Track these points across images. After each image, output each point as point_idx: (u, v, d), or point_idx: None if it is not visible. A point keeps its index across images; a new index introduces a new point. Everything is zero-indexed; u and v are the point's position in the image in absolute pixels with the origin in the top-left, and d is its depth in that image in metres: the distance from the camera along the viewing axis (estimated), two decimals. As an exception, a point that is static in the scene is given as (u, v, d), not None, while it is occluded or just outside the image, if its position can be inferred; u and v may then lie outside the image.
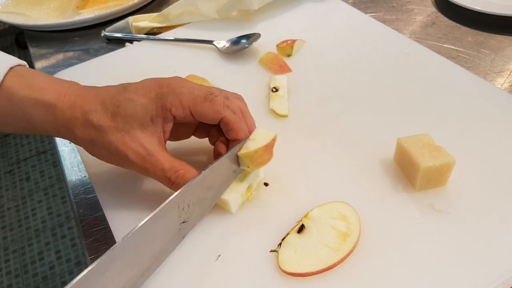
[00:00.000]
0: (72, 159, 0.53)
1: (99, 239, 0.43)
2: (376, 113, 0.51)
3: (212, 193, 0.40)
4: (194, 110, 0.39)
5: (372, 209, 0.41)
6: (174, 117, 0.39)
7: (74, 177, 0.50)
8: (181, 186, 0.37)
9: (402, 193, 0.42)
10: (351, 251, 0.37)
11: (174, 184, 0.39)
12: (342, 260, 0.36)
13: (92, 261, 0.41)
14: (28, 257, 1.55)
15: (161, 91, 0.39)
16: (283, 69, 0.58)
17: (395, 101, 0.52)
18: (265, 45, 0.63)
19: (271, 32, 0.65)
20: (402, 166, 0.43)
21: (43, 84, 0.40)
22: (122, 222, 0.43)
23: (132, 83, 0.41)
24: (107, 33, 0.73)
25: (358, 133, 0.49)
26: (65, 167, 0.52)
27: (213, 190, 0.40)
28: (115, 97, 0.39)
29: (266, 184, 0.44)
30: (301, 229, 0.39)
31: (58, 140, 0.56)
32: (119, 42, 0.73)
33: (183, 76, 0.54)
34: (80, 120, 0.39)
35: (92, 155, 0.41)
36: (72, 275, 1.48)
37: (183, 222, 0.37)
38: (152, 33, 0.73)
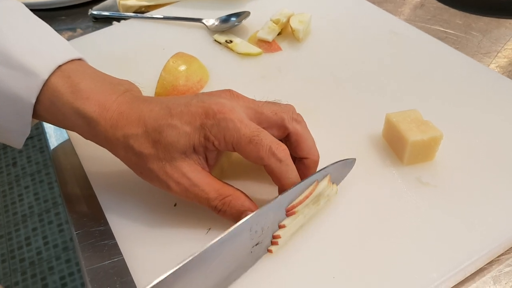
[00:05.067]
0: (58, 136, 0.52)
1: (86, 214, 0.43)
2: (365, 91, 0.51)
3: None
4: (237, 149, 0.36)
5: (360, 183, 0.41)
6: (217, 149, 0.37)
7: (59, 154, 0.50)
8: (229, 213, 0.36)
9: (390, 168, 0.42)
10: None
11: (220, 211, 0.37)
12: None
13: (79, 236, 0.41)
14: (15, 243, 1.54)
15: (206, 121, 0.35)
16: (273, 47, 0.58)
17: (384, 79, 0.52)
18: (255, 23, 0.62)
19: (260, 10, 0.65)
20: (391, 141, 0.43)
21: (88, 93, 0.37)
22: (113, 198, 0.43)
23: (178, 103, 0.37)
24: (94, 12, 0.72)
25: (347, 110, 0.49)
26: (50, 144, 0.52)
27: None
28: (158, 121, 0.36)
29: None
30: None
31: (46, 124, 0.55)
32: (107, 21, 0.71)
33: (172, 54, 0.54)
34: (121, 142, 0.37)
35: (139, 176, 0.39)
36: (59, 260, 1.48)
37: (256, 245, 0.35)
38: (140, 11, 0.72)
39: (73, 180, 0.47)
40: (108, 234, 0.41)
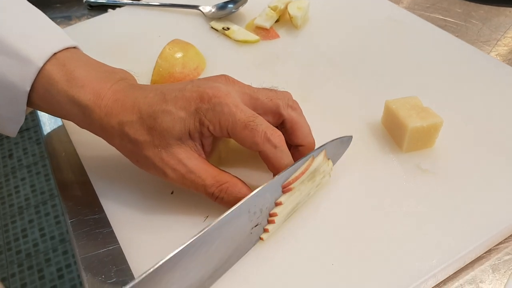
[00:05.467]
0: (52, 124, 0.52)
1: (81, 202, 0.42)
2: (364, 78, 0.50)
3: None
4: (232, 134, 0.35)
5: (359, 171, 0.41)
6: (212, 134, 0.36)
7: (53, 140, 0.49)
8: (227, 200, 0.36)
9: (389, 155, 0.41)
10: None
11: (218, 198, 0.36)
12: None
13: (73, 224, 0.41)
14: (11, 234, 1.53)
15: (201, 105, 0.35)
16: (271, 35, 0.57)
17: (383, 66, 0.52)
18: (252, 10, 0.61)
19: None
20: (390, 128, 0.43)
21: (83, 81, 0.37)
22: (108, 186, 0.42)
23: (173, 88, 0.37)
24: (89, -1, 0.71)
25: (345, 97, 0.48)
26: (44, 131, 0.51)
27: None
28: (153, 107, 0.36)
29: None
30: None
31: (41, 116, 0.54)
32: (102, 9, 0.70)
33: (168, 41, 0.53)
34: (116, 130, 0.37)
35: (135, 165, 0.38)
36: (56, 252, 1.47)
37: (255, 226, 0.35)
38: (136, -1, 0.71)
39: (67, 167, 0.46)
40: (103, 222, 0.40)
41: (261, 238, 0.36)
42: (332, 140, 0.38)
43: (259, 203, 0.34)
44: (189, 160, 0.36)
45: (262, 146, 0.35)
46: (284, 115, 0.37)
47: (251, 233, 0.35)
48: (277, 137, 0.35)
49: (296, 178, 0.35)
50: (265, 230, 0.36)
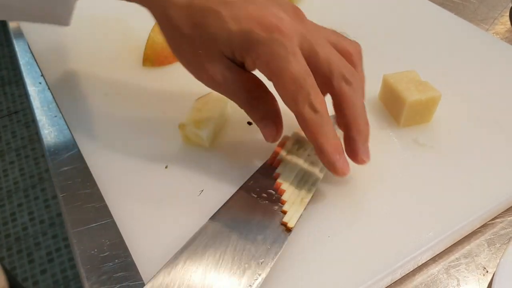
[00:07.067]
0: (42, 99, 0.50)
1: (73, 176, 0.41)
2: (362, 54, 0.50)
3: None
4: (274, 79, 0.31)
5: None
6: (250, 67, 0.33)
7: (44, 117, 0.48)
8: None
9: (386, 130, 0.41)
10: None
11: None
12: None
13: (64, 199, 0.40)
14: (-1, 218, 1.52)
15: (257, 31, 0.30)
16: (266, 10, 0.56)
17: (381, 42, 0.51)
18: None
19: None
20: (387, 103, 0.42)
21: None
22: (102, 160, 0.41)
23: None
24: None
25: (342, 73, 0.48)
26: (35, 107, 0.50)
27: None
28: (208, 3, 0.31)
29: (249, 123, 0.43)
30: None
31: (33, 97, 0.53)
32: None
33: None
34: (157, 7, 0.32)
35: (170, 49, 0.34)
36: (46, 236, 1.46)
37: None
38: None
39: (60, 142, 0.45)
40: (95, 197, 0.39)
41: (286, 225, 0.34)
42: None
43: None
44: (228, 70, 0.33)
45: (302, 107, 0.31)
46: (334, 86, 0.32)
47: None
48: (321, 100, 0.31)
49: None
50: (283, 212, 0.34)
